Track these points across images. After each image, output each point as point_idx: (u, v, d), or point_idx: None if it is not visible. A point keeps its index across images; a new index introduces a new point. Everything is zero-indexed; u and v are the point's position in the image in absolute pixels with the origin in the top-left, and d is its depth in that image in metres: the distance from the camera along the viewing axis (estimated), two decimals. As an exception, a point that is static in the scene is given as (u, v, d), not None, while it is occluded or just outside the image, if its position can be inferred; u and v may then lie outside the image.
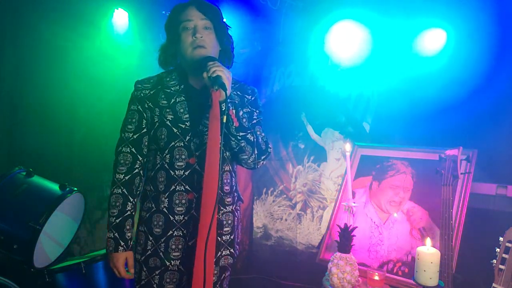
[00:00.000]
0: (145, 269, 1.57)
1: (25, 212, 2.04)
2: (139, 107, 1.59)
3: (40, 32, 2.74)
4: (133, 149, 1.58)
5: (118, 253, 1.55)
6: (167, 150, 1.54)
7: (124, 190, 1.56)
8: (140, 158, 1.59)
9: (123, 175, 1.57)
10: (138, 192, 1.62)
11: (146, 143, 1.60)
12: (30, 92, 2.74)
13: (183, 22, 1.55)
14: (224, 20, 1.66)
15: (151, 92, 1.59)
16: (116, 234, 1.54)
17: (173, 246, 1.54)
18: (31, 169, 2.21)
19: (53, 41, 2.79)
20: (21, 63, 2.73)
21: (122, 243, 1.55)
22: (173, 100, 1.57)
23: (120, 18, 3.17)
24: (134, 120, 1.59)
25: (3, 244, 2.03)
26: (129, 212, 1.57)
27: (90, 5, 2.96)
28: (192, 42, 1.53)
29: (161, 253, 1.54)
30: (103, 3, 3.07)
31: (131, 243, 1.59)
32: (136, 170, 1.59)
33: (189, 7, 1.57)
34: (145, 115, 1.58)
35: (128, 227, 1.57)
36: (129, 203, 1.57)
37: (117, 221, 1.55)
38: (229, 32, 1.66)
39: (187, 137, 1.54)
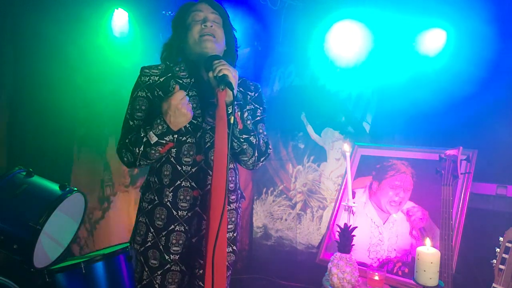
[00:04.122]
0: (146, 269, 1.56)
1: (25, 212, 2.04)
2: (149, 94, 1.53)
3: (40, 32, 2.73)
4: None
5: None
6: (175, 144, 1.51)
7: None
8: None
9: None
10: None
11: None
12: (30, 92, 2.74)
13: (192, 12, 1.55)
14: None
15: (161, 80, 1.55)
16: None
17: (174, 241, 1.52)
18: (31, 169, 2.20)
19: (53, 41, 2.79)
20: (21, 63, 2.73)
21: None
22: (185, 93, 1.53)
23: (120, 18, 3.17)
24: (144, 108, 1.52)
25: (3, 244, 2.02)
26: None
27: (90, 5, 2.96)
28: (200, 30, 1.52)
29: (161, 247, 1.52)
30: (103, 3, 3.07)
31: None
32: None
33: (200, 2, 1.58)
34: (154, 103, 1.53)
35: None
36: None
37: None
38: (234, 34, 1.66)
39: (198, 134, 1.52)
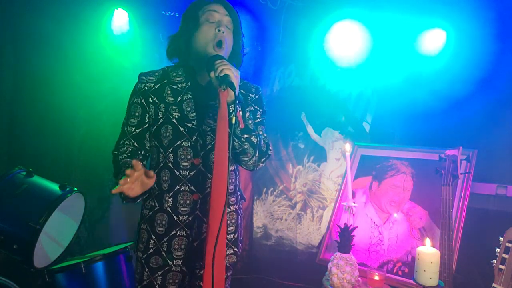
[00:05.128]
0: (147, 269, 1.55)
1: (25, 212, 2.04)
2: (143, 100, 1.55)
3: (40, 32, 2.73)
4: (135, 143, 1.55)
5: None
6: (171, 149, 1.51)
7: (130, 149, 1.54)
8: (143, 152, 1.56)
9: (126, 154, 1.54)
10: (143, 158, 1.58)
11: (148, 139, 1.57)
12: (30, 92, 2.74)
13: (207, 11, 1.53)
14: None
15: (156, 86, 1.56)
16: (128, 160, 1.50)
17: (176, 246, 1.52)
18: (31, 169, 2.20)
19: (53, 40, 2.79)
20: (21, 63, 2.73)
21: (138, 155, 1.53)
22: (180, 98, 1.54)
23: (120, 18, 3.17)
24: (137, 114, 1.55)
25: (3, 244, 2.02)
26: (139, 157, 1.54)
27: (90, 5, 2.96)
28: (214, 36, 1.50)
29: (163, 253, 1.53)
30: (103, 3, 3.07)
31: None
32: (137, 156, 1.55)
33: (215, 2, 1.57)
34: (148, 109, 1.55)
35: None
36: (139, 151, 1.55)
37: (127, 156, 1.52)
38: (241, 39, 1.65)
39: (194, 137, 1.52)
